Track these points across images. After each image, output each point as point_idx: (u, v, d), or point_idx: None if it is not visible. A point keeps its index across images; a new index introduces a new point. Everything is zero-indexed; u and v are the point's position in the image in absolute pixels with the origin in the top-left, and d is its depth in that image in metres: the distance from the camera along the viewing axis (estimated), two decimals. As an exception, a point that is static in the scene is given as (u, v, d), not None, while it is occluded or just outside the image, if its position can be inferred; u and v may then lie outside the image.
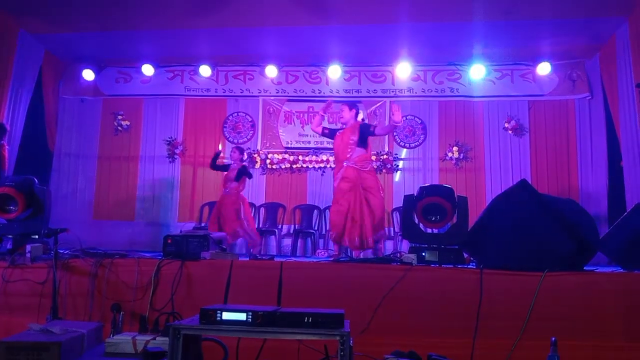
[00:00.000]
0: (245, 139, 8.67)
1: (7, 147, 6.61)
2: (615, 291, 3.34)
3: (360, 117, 5.77)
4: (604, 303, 3.30)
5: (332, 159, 8.33)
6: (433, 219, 4.08)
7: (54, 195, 6.61)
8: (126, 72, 8.79)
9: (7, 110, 7.20)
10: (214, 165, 7.33)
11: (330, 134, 5.75)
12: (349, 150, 5.43)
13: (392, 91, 8.52)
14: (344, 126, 5.63)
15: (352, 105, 5.72)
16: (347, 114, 5.58)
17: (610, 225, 4.95)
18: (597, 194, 7.62)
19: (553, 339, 2.57)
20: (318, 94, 8.61)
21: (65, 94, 8.75)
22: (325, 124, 5.87)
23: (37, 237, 4.12)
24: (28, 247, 3.77)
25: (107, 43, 7.95)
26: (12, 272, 3.62)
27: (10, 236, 4.04)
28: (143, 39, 7.86)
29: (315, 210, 8.20)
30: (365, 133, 5.49)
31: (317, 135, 7.57)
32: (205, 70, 8.49)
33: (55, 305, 3.27)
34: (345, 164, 5.43)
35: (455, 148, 8.26)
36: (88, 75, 8.54)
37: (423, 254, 3.94)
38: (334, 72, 8.30)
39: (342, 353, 2.17)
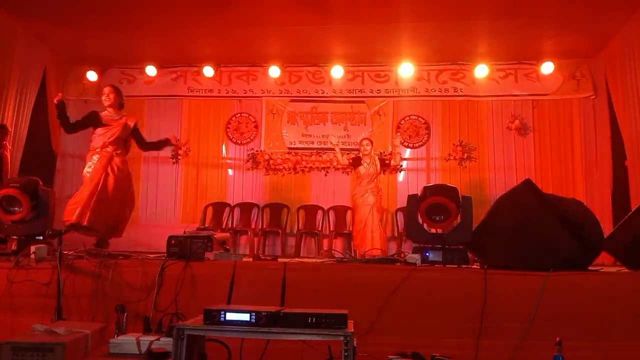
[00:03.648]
0: (249, 140, 8.68)
1: (9, 147, 6.64)
2: (621, 291, 3.32)
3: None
4: (609, 303, 3.28)
5: (335, 159, 8.38)
6: (437, 218, 4.06)
7: (58, 196, 6.63)
8: (130, 73, 8.81)
9: (12, 112, 7.23)
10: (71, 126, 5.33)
11: (355, 164, 6.86)
12: (374, 180, 6.69)
13: (396, 91, 8.51)
14: (365, 156, 6.76)
15: (372, 141, 6.98)
16: (371, 147, 6.79)
17: (615, 225, 4.93)
18: (602, 193, 7.59)
19: (558, 339, 2.56)
20: (321, 94, 8.62)
21: (69, 95, 8.76)
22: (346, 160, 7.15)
23: (41, 238, 4.13)
24: (32, 248, 3.77)
25: (111, 44, 7.97)
26: (16, 273, 3.63)
27: (14, 237, 4.05)
28: (146, 40, 7.88)
29: (319, 211, 8.20)
30: (382, 165, 6.84)
31: (321, 136, 7.70)
32: (208, 71, 8.50)
33: (60, 306, 3.28)
34: (368, 189, 6.64)
35: (459, 148, 8.25)
36: (92, 76, 8.57)
37: (427, 254, 3.92)
38: (337, 72, 8.30)
39: (346, 354, 2.16)
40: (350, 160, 6.99)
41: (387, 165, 7.15)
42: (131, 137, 5.41)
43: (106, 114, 5.25)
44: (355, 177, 7.03)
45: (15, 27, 7.14)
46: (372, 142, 6.95)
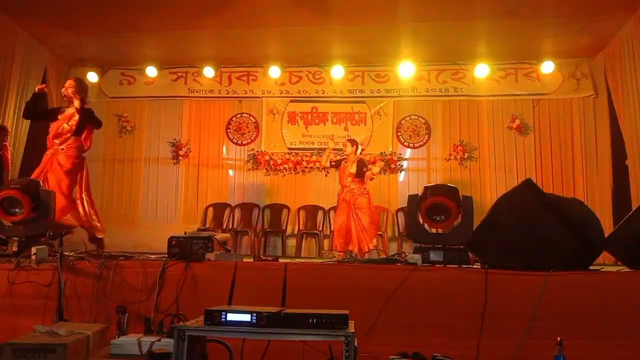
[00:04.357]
0: (249, 140, 8.69)
1: (9, 148, 6.64)
2: (621, 290, 3.33)
3: (359, 150, 6.88)
4: (610, 302, 3.28)
5: (336, 158, 8.36)
6: (438, 218, 4.05)
7: (59, 198, 6.65)
8: (130, 74, 8.81)
9: (13, 113, 7.24)
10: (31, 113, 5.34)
11: (337, 165, 6.95)
12: (348, 179, 6.62)
13: (396, 91, 8.51)
14: (346, 158, 6.78)
15: (353, 142, 6.84)
16: (350, 149, 6.74)
17: (616, 224, 4.93)
18: (602, 192, 7.59)
19: (559, 338, 2.56)
20: (322, 95, 8.62)
21: (69, 96, 8.77)
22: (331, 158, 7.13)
23: (42, 239, 4.12)
24: (33, 250, 3.77)
25: (111, 45, 7.99)
26: (17, 275, 3.63)
27: (15, 238, 4.05)
28: (146, 41, 7.89)
29: (320, 211, 8.20)
30: (361, 168, 6.67)
31: (321, 136, 7.79)
32: (208, 72, 8.50)
33: (61, 307, 3.27)
34: (345, 189, 6.65)
35: (459, 147, 8.25)
36: (92, 77, 8.57)
37: (428, 254, 3.92)
38: (338, 72, 8.31)
39: (346, 354, 2.16)
40: (333, 163, 7.04)
41: (362, 173, 6.71)
42: (87, 131, 5.16)
43: (63, 109, 5.16)
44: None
45: (15, 29, 7.14)
46: (352, 143, 6.82)
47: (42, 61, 7.93)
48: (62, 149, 5.04)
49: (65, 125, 5.07)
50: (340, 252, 6.50)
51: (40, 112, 5.17)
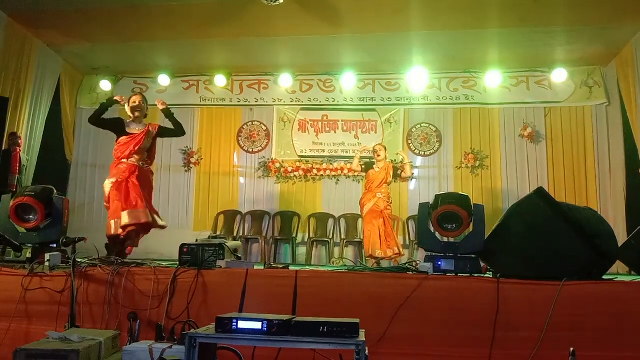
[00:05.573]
0: (260, 148, 8.72)
1: (20, 153, 6.79)
2: (635, 300, 3.28)
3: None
4: (624, 312, 3.24)
5: (346, 167, 8.36)
6: (449, 227, 4.03)
7: (72, 205, 6.70)
8: (142, 82, 8.90)
9: (27, 120, 7.33)
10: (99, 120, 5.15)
11: (367, 168, 6.88)
12: (383, 185, 6.63)
13: (407, 99, 8.51)
14: (379, 162, 6.76)
15: (385, 148, 6.92)
16: (384, 153, 6.79)
17: (629, 233, 4.88)
18: (615, 201, 7.51)
19: (571, 349, 2.53)
20: (332, 103, 8.64)
21: (82, 104, 8.87)
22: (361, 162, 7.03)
23: (55, 246, 4.16)
24: (47, 256, 3.81)
25: (124, 54, 8.08)
26: (31, 281, 3.67)
27: (29, 245, 4.09)
28: (159, 50, 7.97)
29: (330, 219, 8.20)
30: (396, 171, 6.86)
31: (332, 144, 7.76)
32: (220, 80, 8.56)
33: (73, 314, 3.29)
34: (378, 195, 6.56)
35: (470, 156, 8.22)
36: (105, 85, 8.67)
37: (439, 263, 3.90)
38: (348, 80, 8.32)
39: (357, 363, 2.16)
40: (363, 166, 6.94)
41: (399, 176, 7.03)
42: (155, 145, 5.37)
43: (130, 122, 5.25)
44: (365, 181, 7.00)
45: (31, 39, 7.25)
46: (385, 148, 6.89)
47: (57, 70, 8.04)
48: (145, 165, 5.24)
49: (146, 142, 5.25)
50: (387, 257, 6.40)
51: (105, 121, 5.21)
